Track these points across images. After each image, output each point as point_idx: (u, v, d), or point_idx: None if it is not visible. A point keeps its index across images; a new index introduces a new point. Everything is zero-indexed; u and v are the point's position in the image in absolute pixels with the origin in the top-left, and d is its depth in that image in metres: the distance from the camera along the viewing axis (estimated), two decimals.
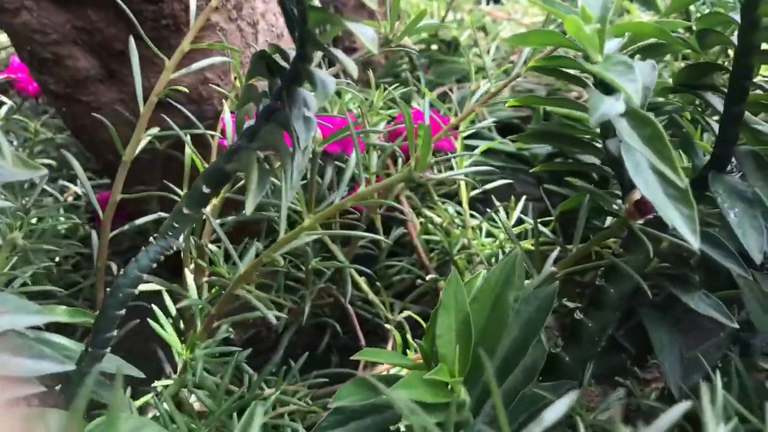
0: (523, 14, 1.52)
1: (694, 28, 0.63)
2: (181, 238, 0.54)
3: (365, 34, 0.42)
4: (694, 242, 0.43)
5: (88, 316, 0.58)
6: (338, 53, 0.45)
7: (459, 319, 0.53)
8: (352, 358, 0.54)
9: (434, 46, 1.36)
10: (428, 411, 0.50)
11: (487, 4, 1.60)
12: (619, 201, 0.70)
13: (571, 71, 0.71)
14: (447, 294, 0.53)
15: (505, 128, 1.26)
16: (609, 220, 0.77)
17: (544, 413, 0.37)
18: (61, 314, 0.57)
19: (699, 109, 0.66)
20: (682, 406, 0.35)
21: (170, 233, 0.53)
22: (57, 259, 1.02)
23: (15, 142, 1.13)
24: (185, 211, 0.52)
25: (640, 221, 0.56)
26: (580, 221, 0.62)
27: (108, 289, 0.53)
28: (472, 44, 1.34)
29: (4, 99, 1.11)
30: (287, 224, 0.78)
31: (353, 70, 0.44)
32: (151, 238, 0.53)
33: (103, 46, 0.82)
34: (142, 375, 0.60)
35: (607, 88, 0.50)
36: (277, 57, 0.50)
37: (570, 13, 0.55)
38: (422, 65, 1.30)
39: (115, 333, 0.54)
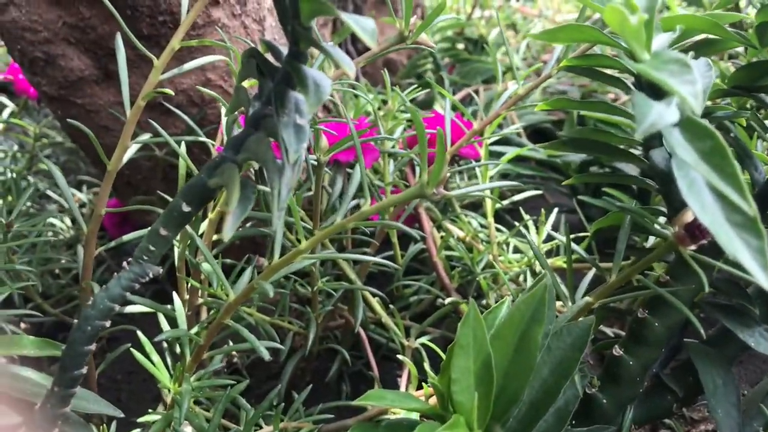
0: (555, 11, 1.44)
1: (750, 20, 0.55)
2: (158, 264, 0.47)
3: (363, 27, 0.35)
4: (765, 281, 0.34)
5: (57, 348, 0.51)
6: (333, 50, 0.38)
7: (478, 361, 0.45)
8: (353, 403, 0.47)
9: (459, 45, 1.28)
10: None
11: (517, 0, 1.52)
12: (662, 219, 0.62)
13: (609, 71, 0.63)
14: (464, 331, 0.46)
15: (536, 133, 1.18)
16: (652, 238, 0.69)
17: None
18: (27, 346, 0.51)
19: (758, 115, 0.57)
20: None
21: (146, 258, 0.46)
22: (56, 271, 0.96)
23: (15, 147, 1.07)
24: (162, 232, 0.45)
25: (692, 247, 0.48)
26: (619, 245, 0.54)
27: (75, 321, 0.46)
28: (500, 43, 1.26)
29: (6, 101, 1.06)
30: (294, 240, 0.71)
31: (350, 69, 0.37)
32: (124, 263, 0.46)
33: (98, 44, 0.75)
34: (119, 414, 0.54)
35: (654, 92, 0.42)
36: (269, 56, 0.43)
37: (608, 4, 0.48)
38: (446, 65, 1.23)
39: (84, 370, 0.47)
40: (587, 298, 0.54)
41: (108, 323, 0.46)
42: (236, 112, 0.60)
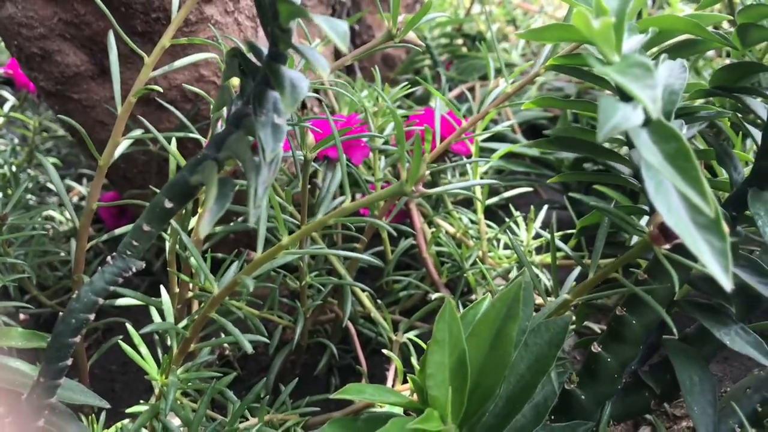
0: (556, 7, 1.44)
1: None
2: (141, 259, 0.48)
3: (335, 29, 0.36)
4: (726, 282, 0.35)
5: (44, 340, 0.52)
6: (309, 51, 0.38)
7: (453, 356, 0.46)
8: (331, 396, 0.48)
9: (458, 41, 1.28)
10: None
11: None
12: (647, 217, 0.63)
13: (594, 71, 0.64)
14: (440, 327, 0.47)
15: (531, 129, 1.18)
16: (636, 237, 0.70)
17: None
18: (15, 338, 0.52)
19: (737, 115, 0.58)
20: None
21: (129, 253, 0.47)
22: (54, 262, 0.97)
23: (15, 140, 1.08)
24: (145, 228, 0.46)
25: (666, 246, 0.48)
26: (597, 243, 0.55)
27: (60, 314, 0.47)
28: (496, 39, 1.26)
29: (7, 95, 1.07)
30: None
31: (323, 69, 0.38)
32: (108, 258, 0.47)
33: (93, 40, 0.76)
34: (106, 405, 0.55)
35: (623, 93, 0.43)
36: (251, 56, 0.44)
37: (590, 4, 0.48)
38: (444, 61, 1.23)
39: (69, 362, 0.48)
40: (565, 296, 0.55)
41: (92, 316, 0.47)
42: (222, 110, 0.61)
